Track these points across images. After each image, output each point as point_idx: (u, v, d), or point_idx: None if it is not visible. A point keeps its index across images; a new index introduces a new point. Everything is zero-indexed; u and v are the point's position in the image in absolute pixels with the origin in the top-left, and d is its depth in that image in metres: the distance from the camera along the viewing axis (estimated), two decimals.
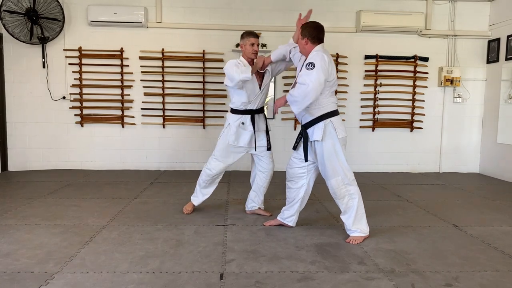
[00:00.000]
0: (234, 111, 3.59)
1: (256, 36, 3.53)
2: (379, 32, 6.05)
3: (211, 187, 3.77)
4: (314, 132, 3.04)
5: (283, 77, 5.94)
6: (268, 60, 3.49)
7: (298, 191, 3.28)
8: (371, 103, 6.18)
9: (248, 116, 3.55)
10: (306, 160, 3.14)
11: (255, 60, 3.50)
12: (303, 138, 3.12)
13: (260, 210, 3.75)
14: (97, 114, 5.99)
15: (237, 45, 3.69)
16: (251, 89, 3.50)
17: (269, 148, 3.65)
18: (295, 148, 3.26)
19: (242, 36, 3.54)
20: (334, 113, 3.05)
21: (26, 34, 5.61)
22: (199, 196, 3.77)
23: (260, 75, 3.57)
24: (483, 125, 6.30)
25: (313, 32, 3.03)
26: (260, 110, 3.65)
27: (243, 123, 3.54)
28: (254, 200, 3.76)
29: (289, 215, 3.37)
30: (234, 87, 3.44)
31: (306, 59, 3.06)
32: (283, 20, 5.95)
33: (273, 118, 6.03)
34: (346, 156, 3.07)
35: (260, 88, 3.55)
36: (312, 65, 2.88)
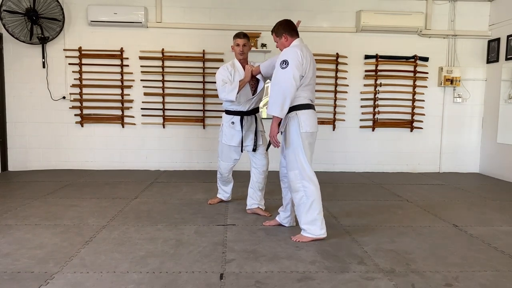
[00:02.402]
0: (226, 111, 3.77)
1: (243, 37, 3.64)
2: (379, 32, 6.04)
3: (228, 185, 4.10)
4: (281, 124, 3.07)
5: None
6: (257, 70, 3.53)
7: (288, 190, 3.28)
8: (371, 103, 6.18)
9: (238, 117, 3.68)
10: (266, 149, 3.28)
11: (246, 66, 3.58)
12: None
13: (259, 210, 3.76)
14: (97, 114, 5.98)
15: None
16: (243, 92, 3.58)
17: (254, 149, 3.71)
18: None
19: (233, 38, 3.69)
20: (302, 107, 3.02)
21: (26, 34, 5.61)
22: (221, 192, 4.13)
23: (253, 78, 3.62)
24: (483, 125, 6.30)
25: (287, 27, 3.09)
26: (253, 111, 3.74)
27: (233, 123, 3.69)
28: (253, 197, 3.78)
29: (284, 216, 3.38)
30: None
31: None
32: None
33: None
34: (309, 153, 3.04)
35: (253, 93, 3.65)
36: (285, 62, 2.90)
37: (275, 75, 2.96)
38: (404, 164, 6.32)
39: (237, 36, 3.67)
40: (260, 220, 3.57)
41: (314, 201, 3.01)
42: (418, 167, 6.33)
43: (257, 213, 3.76)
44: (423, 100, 6.20)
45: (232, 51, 3.75)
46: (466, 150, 6.37)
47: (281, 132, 3.12)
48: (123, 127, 6.04)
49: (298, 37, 3.11)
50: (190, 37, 5.95)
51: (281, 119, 3.00)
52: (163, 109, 6.00)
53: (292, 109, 3.00)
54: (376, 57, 6.13)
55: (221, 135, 3.80)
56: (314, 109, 3.13)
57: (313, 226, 3.03)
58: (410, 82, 6.19)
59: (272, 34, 3.21)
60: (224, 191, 4.13)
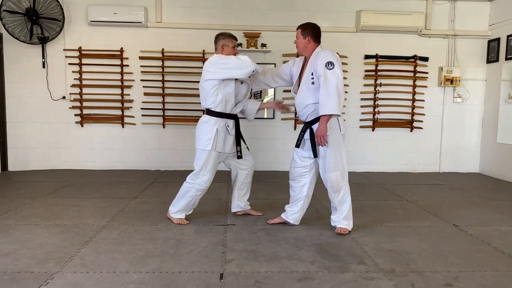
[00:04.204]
0: (219, 114, 3.34)
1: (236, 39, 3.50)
2: (379, 32, 6.04)
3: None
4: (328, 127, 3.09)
5: None
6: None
7: (302, 189, 3.31)
8: (371, 103, 6.18)
9: (232, 121, 3.41)
10: (315, 156, 3.17)
11: None
12: (310, 134, 3.16)
13: (251, 210, 3.70)
14: (97, 114, 5.98)
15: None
16: (237, 95, 3.44)
17: (239, 157, 3.50)
18: (298, 146, 3.27)
19: (223, 37, 3.38)
20: None
21: (26, 34, 5.60)
22: (188, 209, 3.50)
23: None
24: (483, 125, 6.30)
25: (316, 32, 3.21)
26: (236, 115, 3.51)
27: (228, 126, 3.38)
28: (243, 199, 3.65)
29: (292, 212, 3.39)
30: (243, 76, 3.28)
31: (304, 59, 3.23)
32: (283, 20, 5.95)
33: (273, 118, 6.04)
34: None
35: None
36: (331, 64, 3.03)
37: (325, 76, 3.00)
38: (404, 164, 6.32)
39: (234, 37, 3.41)
40: (260, 220, 3.57)
41: (349, 199, 3.22)
42: (418, 167, 6.33)
43: (250, 214, 3.69)
44: (423, 100, 6.20)
45: (220, 50, 3.37)
46: (466, 150, 6.37)
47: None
48: (123, 127, 6.04)
49: (319, 44, 3.21)
50: (190, 37, 5.94)
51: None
52: (163, 109, 6.00)
53: None
54: (376, 57, 6.12)
55: (209, 142, 3.35)
56: None
57: (350, 220, 3.26)
58: (410, 82, 6.19)
59: (297, 29, 3.22)
60: (193, 206, 3.52)
